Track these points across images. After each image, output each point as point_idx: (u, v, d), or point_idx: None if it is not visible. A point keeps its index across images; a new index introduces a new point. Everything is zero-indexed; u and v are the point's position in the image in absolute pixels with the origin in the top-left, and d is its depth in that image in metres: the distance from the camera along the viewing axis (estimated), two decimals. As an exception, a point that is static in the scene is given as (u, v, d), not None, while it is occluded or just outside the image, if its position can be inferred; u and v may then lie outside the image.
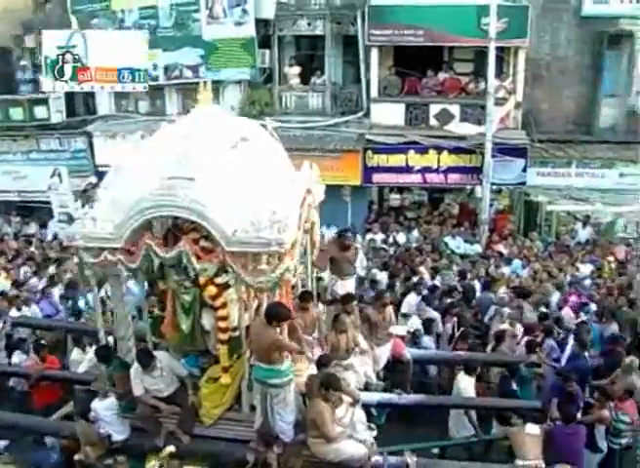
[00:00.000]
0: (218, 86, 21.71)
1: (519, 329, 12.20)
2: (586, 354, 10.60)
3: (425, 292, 13.63)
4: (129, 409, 8.45)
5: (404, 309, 12.92)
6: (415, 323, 11.96)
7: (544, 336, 11.58)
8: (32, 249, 19.26)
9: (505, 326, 12.14)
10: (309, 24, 21.38)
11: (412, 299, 13.22)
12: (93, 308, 12.76)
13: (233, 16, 21.20)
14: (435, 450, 10.12)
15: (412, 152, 20.74)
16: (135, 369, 8.20)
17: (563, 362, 11.02)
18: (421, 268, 15.81)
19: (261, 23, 21.40)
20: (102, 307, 12.59)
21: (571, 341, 11.18)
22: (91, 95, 23.22)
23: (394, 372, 10.32)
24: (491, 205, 20.66)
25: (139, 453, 8.39)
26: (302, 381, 8.09)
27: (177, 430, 8.25)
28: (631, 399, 9.42)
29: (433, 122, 21.06)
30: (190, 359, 8.85)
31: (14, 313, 13.07)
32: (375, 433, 8.15)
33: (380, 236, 19.62)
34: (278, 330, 7.58)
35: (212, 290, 7.94)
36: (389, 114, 21.27)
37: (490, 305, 13.26)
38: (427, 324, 12.18)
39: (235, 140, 7.93)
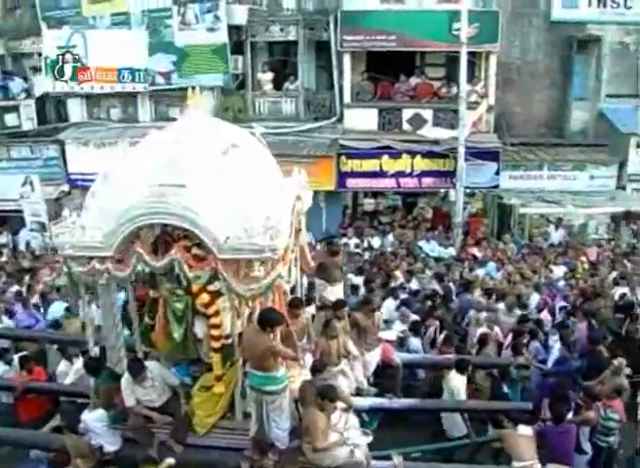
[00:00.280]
0: (190, 92, 21.66)
1: (497, 331, 12.35)
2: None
3: (404, 295, 13.69)
4: (119, 421, 8.34)
5: (384, 315, 12.94)
6: (398, 328, 11.96)
7: (530, 338, 11.67)
8: (4, 258, 18.98)
9: (484, 329, 12.26)
10: (282, 30, 21.41)
11: (390, 304, 13.25)
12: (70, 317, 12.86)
13: (205, 22, 21.18)
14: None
15: (385, 157, 20.81)
16: (126, 379, 8.09)
17: (549, 364, 11.17)
18: (397, 272, 15.85)
19: (234, 29, 21.41)
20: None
21: (558, 344, 11.32)
22: (62, 102, 23.05)
23: (384, 377, 10.33)
24: (464, 208, 20.78)
25: (131, 465, 8.26)
26: (295, 388, 8.04)
27: (169, 440, 8.17)
28: (619, 398, 9.55)
29: (406, 127, 21.19)
30: (182, 368, 8.77)
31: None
32: (370, 438, 8.16)
33: (354, 241, 19.66)
34: (272, 336, 7.56)
35: (204, 297, 7.84)
36: (362, 119, 21.36)
37: (469, 308, 13.34)
38: (415, 326, 12.22)
39: (226, 147, 7.85)
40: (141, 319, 8.92)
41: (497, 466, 8.89)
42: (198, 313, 8.25)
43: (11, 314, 13.33)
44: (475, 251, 18.70)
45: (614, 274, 15.97)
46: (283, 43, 22.15)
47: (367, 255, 18.34)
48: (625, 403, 9.78)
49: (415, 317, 12.44)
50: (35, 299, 14.29)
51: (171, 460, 7.65)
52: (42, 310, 13.97)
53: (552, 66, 21.68)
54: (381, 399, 9.60)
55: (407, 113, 21.11)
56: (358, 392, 9.47)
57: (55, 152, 22.41)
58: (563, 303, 13.89)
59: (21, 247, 20.75)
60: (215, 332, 7.94)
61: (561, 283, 15.77)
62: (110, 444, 8.34)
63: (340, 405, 8.05)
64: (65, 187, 22.34)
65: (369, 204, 23.59)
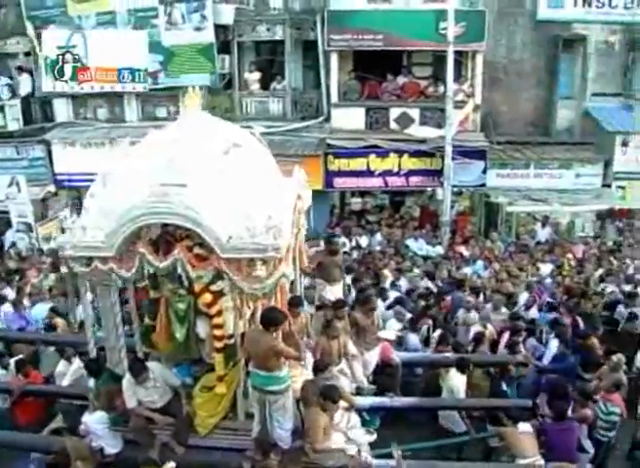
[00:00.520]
0: (177, 92, 21.65)
1: (491, 329, 12.42)
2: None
3: (396, 294, 13.73)
4: (120, 422, 8.30)
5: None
6: (395, 326, 11.98)
7: (526, 336, 11.75)
8: (-9, 260, 18.87)
9: (478, 327, 12.32)
10: (269, 30, 21.43)
11: (380, 304, 13.26)
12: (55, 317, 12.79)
13: (192, 21, 21.12)
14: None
15: (373, 156, 20.86)
16: (127, 380, 8.06)
17: (545, 361, 11.25)
18: (385, 271, 15.91)
19: (221, 29, 21.37)
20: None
21: (554, 341, 11.42)
22: (48, 102, 22.91)
23: (383, 376, 10.32)
24: (452, 207, 20.86)
25: (132, 466, 8.24)
26: (297, 387, 8.05)
27: (171, 441, 8.15)
28: (618, 392, 9.63)
29: (393, 126, 21.26)
30: (183, 368, 8.73)
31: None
32: (374, 437, 8.19)
33: (342, 240, 19.64)
34: (275, 335, 7.57)
35: (207, 297, 7.82)
36: (350, 119, 21.37)
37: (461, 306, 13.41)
38: (412, 322, 12.25)
39: (227, 146, 7.85)
40: (142, 319, 8.89)
41: (500, 463, 8.89)
42: (200, 313, 8.22)
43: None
44: (463, 249, 18.79)
45: (600, 271, 16.13)
46: (270, 42, 22.14)
47: (355, 255, 18.37)
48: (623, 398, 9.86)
49: (407, 316, 12.47)
50: (26, 301, 14.18)
51: (172, 464, 7.59)
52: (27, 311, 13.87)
53: (538, 65, 21.83)
54: (382, 398, 9.60)
55: (394, 112, 21.17)
56: (358, 391, 9.46)
57: (41, 152, 22.21)
58: (550, 300, 13.96)
59: (7, 248, 20.57)
60: (217, 332, 7.92)
61: (548, 280, 15.87)
62: (111, 446, 8.30)
63: (342, 404, 8.05)
64: (52, 188, 22.23)
65: (356, 203, 23.60)
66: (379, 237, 20.20)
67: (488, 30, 20.32)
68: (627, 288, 14.53)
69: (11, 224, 20.70)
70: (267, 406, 7.76)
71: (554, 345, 11.34)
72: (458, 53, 19.51)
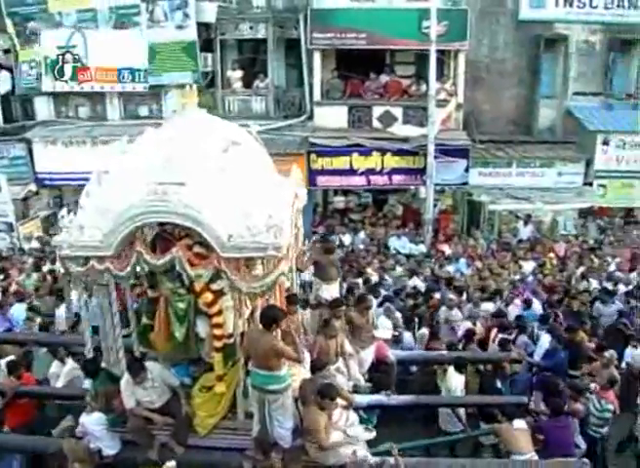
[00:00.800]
0: (159, 90, 21.60)
1: (479, 327, 12.48)
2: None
3: (383, 292, 13.77)
4: (118, 423, 8.22)
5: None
6: (384, 323, 11.98)
7: (518, 333, 11.79)
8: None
9: (468, 324, 12.41)
10: (251, 28, 21.43)
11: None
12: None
13: (174, 19, 21.10)
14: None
15: (355, 155, 20.89)
16: (125, 381, 7.98)
17: (536, 357, 11.33)
18: (369, 269, 15.93)
19: (203, 27, 21.37)
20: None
21: (546, 337, 11.48)
22: (29, 100, 22.76)
23: (378, 374, 10.28)
24: (434, 205, 20.94)
25: (131, 467, 8.19)
26: (296, 386, 8.01)
27: (170, 441, 8.08)
28: (612, 389, 9.75)
29: (376, 124, 21.30)
30: (181, 368, 8.62)
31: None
32: (373, 434, 8.20)
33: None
34: (274, 334, 7.55)
35: (208, 296, 7.73)
36: (332, 117, 21.42)
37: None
38: (407, 320, 12.30)
39: (226, 144, 7.76)
40: (138, 319, 8.80)
41: (497, 459, 8.89)
42: (200, 312, 8.13)
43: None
44: (445, 247, 18.87)
45: (581, 269, 16.22)
46: (253, 41, 22.14)
47: (338, 253, 18.34)
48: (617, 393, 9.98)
49: (396, 314, 12.48)
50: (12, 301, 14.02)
51: (172, 463, 7.48)
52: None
53: (520, 65, 21.95)
54: (379, 396, 9.56)
55: (377, 111, 21.22)
56: (355, 390, 9.42)
57: (22, 151, 22.06)
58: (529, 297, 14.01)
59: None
60: (217, 332, 7.84)
61: (530, 278, 15.95)
62: (109, 447, 8.21)
63: (340, 402, 8.01)
64: (33, 187, 22.11)
65: (339, 201, 23.53)
66: (362, 235, 20.28)
67: (470, 29, 20.43)
68: (609, 285, 14.63)
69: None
70: (267, 405, 7.71)
71: (546, 341, 11.41)
72: (440, 52, 19.57)
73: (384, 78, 21.42)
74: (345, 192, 23.52)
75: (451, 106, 20.55)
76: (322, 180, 21.20)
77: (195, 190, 7.17)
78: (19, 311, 13.20)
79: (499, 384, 10.61)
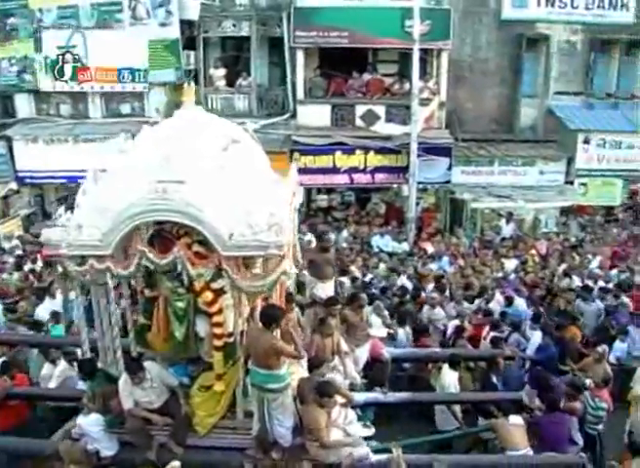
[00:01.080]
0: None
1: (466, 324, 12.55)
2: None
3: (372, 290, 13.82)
4: (116, 424, 8.10)
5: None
6: (374, 321, 11.96)
7: (510, 331, 11.87)
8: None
9: (456, 322, 12.47)
10: (235, 26, 21.39)
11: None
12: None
13: (157, 17, 21.00)
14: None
15: (338, 153, 20.92)
16: (124, 381, 7.88)
17: (529, 352, 11.43)
18: (352, 267, 15.95)
19: (186, 25, 21.29)
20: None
21: (537, 334, 11.58)
22: (9, 97, 22.54)
23: (372, 371, 10.31)
24: (417, 203, 21.00)
25: None
26: (295, 385, 7.95)
27: (169, 441, 7.98)
28: (606, 387, 9.79)
29: (359, 123, 21.39)
30: (179, 368, 8.52)
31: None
32: (372, 431, 8.21)
33: (308, 237, 19.64)
34: (275, 333, 7.52)
35: (208, 296, 7.60)
36: (315, 115, 21.47)
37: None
38: (401, 317, 12.34)
39: (226, 142, 7.73)
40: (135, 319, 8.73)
41: (497, 455, 8.88)
42: (200, 312, 8.03)
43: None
44: (428, 245, 18.93)
45: (563, 266, 16.34)
46: (236, 39, 22.13)
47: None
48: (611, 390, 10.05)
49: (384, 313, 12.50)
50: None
51: (177, 463, 7.27)
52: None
53: (502, 64, 22.09)
54: (376, 393, 9.62)
55: (360, 109, 21.30)
56: (352, 387, 9.39)
57: (2, 149, 21.69)
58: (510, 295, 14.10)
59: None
60: (217, 331, 7.74)
61: (512, 276, 16.04)
62: (107, 448, 8.09)
63: (339, 400, 7.98)
64: (14, 185, 21.89)
65: (322, 200, 23.52)
66: (345, 234, 20.24)
67: (453, 29, 20.60)
68: (590, 282, 14.74)
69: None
70: (267, 404, 7.66)
71: (537, 338, 11.50)
72: (423, 51, 19.66)
73: (367, 77, 21.49)
74: (329, 190, 23.53)
75: (433, 105, 20.66)
76: (305, 179, 20.82)
77: (195, 188, 7.10)
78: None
79: (495, 380, 10.65)
